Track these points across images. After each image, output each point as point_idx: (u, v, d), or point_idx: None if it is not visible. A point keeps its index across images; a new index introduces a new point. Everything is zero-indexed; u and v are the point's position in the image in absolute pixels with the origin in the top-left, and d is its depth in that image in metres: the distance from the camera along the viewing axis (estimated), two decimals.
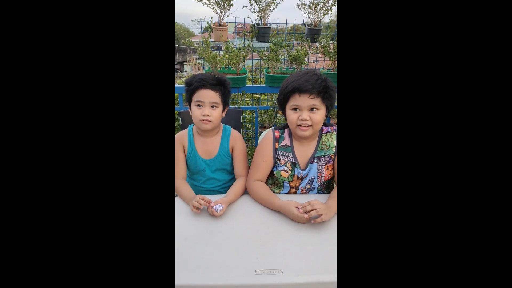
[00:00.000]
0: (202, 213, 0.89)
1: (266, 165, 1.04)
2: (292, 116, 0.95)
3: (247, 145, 1.95)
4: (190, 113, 1.07)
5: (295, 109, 0.95)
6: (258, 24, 1.81)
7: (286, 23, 1.92)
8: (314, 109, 0.93)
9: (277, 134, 1.05)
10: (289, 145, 1.04)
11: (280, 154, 1.04)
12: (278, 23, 1.90)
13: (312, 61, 2.18)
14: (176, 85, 1.70)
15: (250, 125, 2.18)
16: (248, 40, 1.80)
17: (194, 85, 1.01)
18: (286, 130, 1.06)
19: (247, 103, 2.07)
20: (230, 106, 1.81)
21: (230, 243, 0.75)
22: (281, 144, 1.04)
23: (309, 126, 0.94)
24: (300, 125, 0.94)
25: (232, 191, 0.99)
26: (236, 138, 1.13)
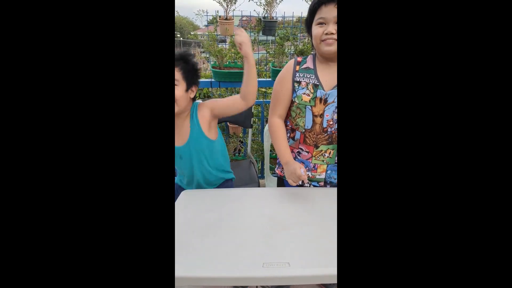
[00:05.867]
0: (209, 207, 0.91)
1: (285, 93, 0.99)
2: (317, 31, 0.90)
3: (253, 140, 1.95)
4: None
5: (321, 24, 0.90)
6: (264, 17, 1.79)
7: (293, 16, 1.90)
8: None
9: (299, 59, 1.00)
10: (311, 67, 0.97)
11: (301, 76, 0.97)
12: (284, 16, 1.88)
13: None
14: None
15: (256, 119, 2.18)
16: (254, 33, 1.79)
17: None
18: (309, 56, 1.01)
19: None
20: None
21: (237, 236, 0.76)
22: (302, 67, 0.98)
23: (336, 40, 0.88)
24: (324, 40, 0.89)
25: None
26: (202, 105, 1.02)
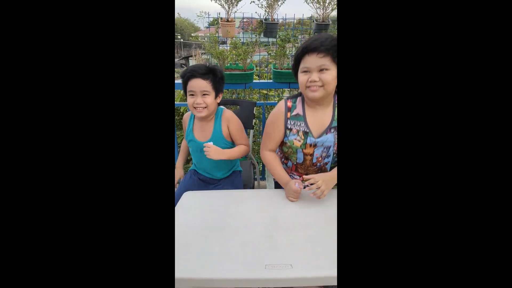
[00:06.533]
0: (212, 208, 0.91)
1: (276, 135, 1.06)
2: (302, 78, 0.95)
3: (254, 141, 1.96)
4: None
5: (305, 72, 0.94)
6: (265, 19, 1.80)
7: (294, 18, 1.91)
8: (324, 70, 0.91)
9: (289, 103, 1.05)
10: (301, 114, 1.02)
11: (292, 123, 1.03)
12: (285, 18, 1.89)
13: None
14: (177, 81, 1.70)
15: (257, 120, 2.18)
16: (256, 35, 1.79)
17: (186, 76, 1.10)
18: (298, 99, 1.05)
19: (255, 99, 2.07)
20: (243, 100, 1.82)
21: (240, 238, 0.76)
22: (293, 114, 1.03)
23: (320, 87, 0.93)
24: (309, 87, 0.93)
25: (229, 150, 1.13)
26: (228, 117, 1.18)
